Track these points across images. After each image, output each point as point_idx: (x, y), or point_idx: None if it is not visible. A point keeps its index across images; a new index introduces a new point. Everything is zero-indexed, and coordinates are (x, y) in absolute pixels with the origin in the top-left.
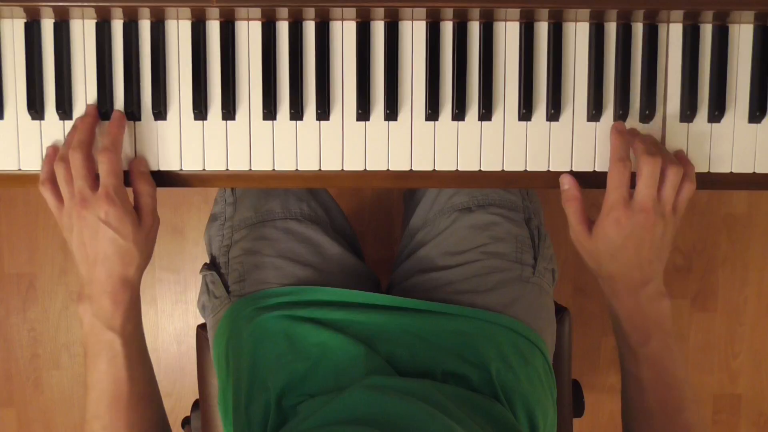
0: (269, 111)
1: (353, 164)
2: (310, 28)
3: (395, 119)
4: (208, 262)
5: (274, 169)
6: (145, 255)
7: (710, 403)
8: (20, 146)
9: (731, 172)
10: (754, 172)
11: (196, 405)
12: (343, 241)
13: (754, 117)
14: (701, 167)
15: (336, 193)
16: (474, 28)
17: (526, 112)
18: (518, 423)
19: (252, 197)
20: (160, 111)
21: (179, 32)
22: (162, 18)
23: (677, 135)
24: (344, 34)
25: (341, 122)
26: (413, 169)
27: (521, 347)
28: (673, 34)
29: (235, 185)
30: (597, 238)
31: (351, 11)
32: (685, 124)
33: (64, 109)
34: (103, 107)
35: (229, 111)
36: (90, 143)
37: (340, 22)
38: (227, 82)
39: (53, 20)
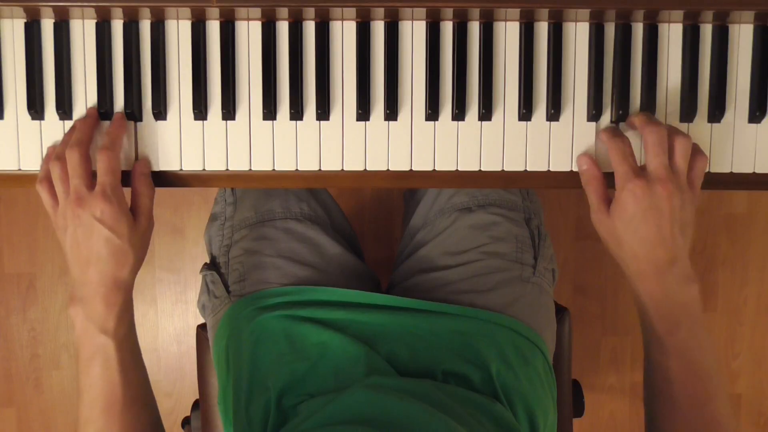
0: (269, 111)
1: (353, 164)
2: (310, 28)
3: (395, 119)
4: (208, 262)
5: (274, 169)
6: (139, 256)
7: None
8: (20, 146)
9: (731, 172)
10: (754, 172)
11: (196, 405)
12: (343, 241)
13: (754, 117)
14: None
15: (336, 193)
16: (474, 28)
17: (526, 112)
18: (518, 423)
19: (252, 197)
20: (160, 111)
21: (179, 32)
22: (162, 18)
23: None
24: (344, 34)
25: (341, 122)
26: (413, 169)
27: (521, 347)
28: (673, 34)
29: (235, 185)
30: (615, 214)
31: (351, 11)
32: (685, 124)
33: (64, 109)
34: (103, 107)
35: (229, 111)
36: (88, 142)
37: (340, 22)
38: (227, 82)
39: (53, 20)
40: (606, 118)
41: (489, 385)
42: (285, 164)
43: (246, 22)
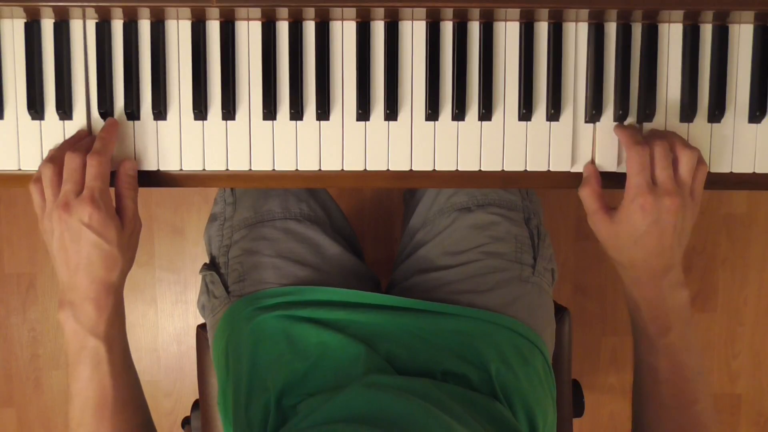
0: (269, 111)
1: (353, 164)
2: (310, 28)
3: (395, 119)
4: (207, 262)
5: (274, 169)
6: (128, 259)
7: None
8: (20, 146)
9: (731, 172)
10: (754, 172)
11: (196, 405)
12: (343, 241)
13: (754, 117)
14: None
15: (336, 193)
16: (474, 28)
17: (526, 112)
18: (518, 423)
19: (251, 197)
20: (160, 111)
21: (179, 32)
22: (162, 18)
23: None
24: (344, 34)
25: (341, 122)
26: (413, 169)
27: (521, 347)
28: (673, 34)
29: (235, 185)
30: (620, 224)
31: (351, 11)
32: (685, 124)
33: (64, 109)
34: (103, 107)
35: (229, 111)
36: (88, 151)
37: (340, 22)
38: (227, 82)
39: (53, 20)
40: (606, 118)
41: (488, 385)
42: (285, 164)
43: (246, 22)
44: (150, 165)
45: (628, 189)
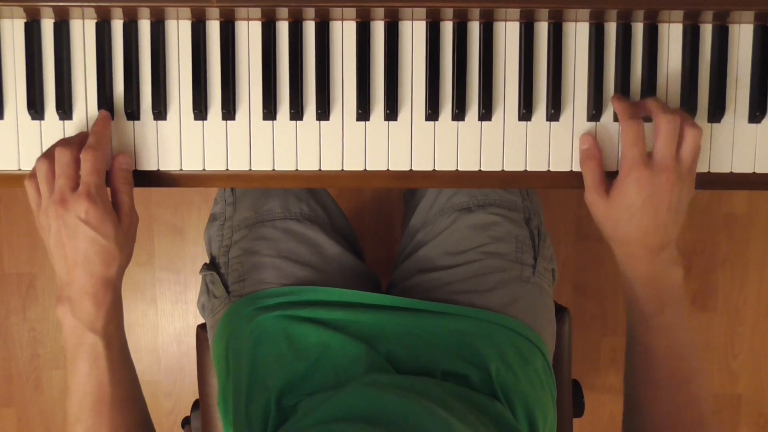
0: (269, 111)
1: (353, 164)
2: (310, 28)
3: (395, 119)
4: (207, 262)
5: (274, 169)
6: (126, 254)
7: (710, 403)
8: (20, 146)
9: (731, 172)
10: (754, 172)
11: (196, 405)
12: (343, 241)
13: (754, 117)
14: (701, 167)
15: (336, 193)
16: (474, 28)
17: (526, 112)
18: (518, 423)
19: (252, 197)
20: (160, 111)
21: (179, 32)
22: (162, 18)
23: None
24: (344, 34)
25: (341, 122)
26: (413, 169)
27: (521, 347)
28: (673, 34)
29: (235, 185)
30: (615, 199)
31: (351, 11)
32: None
33: (64, 109)
34: (103, 107)
35: (229, 111)
36: (81, 146)
37: (340, 22)
38: (227, 82)
39: (53, 20)
40: (606, 119)
41: (488, 385)
42: (285, 164)
43: (246, 22)
44: (150, 165)
45: (623, 163)
